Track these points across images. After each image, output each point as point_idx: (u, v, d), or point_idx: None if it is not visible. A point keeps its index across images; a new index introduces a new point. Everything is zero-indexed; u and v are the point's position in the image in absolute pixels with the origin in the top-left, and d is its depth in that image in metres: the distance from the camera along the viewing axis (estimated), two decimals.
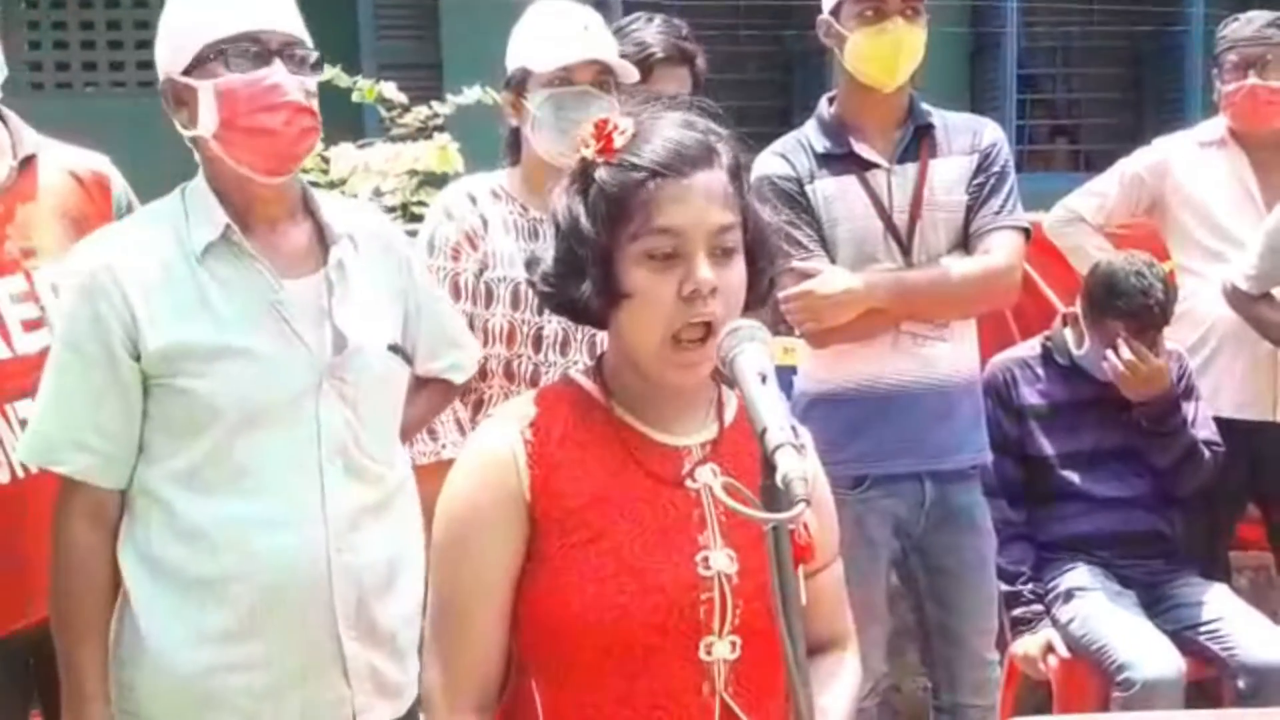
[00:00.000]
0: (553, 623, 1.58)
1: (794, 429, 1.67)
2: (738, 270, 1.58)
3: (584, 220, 1.58)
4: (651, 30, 3.13)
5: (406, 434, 2.41)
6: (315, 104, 2.07)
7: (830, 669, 1.74)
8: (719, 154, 1.59)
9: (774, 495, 1.34)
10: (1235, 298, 3.55)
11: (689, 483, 1.62)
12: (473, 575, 1.61)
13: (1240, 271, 3.51)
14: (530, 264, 1.68)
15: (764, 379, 1.42)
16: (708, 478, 1.62)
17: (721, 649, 1.59)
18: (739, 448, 1.64)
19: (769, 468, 1.34)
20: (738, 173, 1.60)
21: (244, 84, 2.00)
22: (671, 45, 3.10)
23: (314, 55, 2.08)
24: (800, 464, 1.34)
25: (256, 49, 2.01)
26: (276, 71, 2.01)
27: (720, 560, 1.60)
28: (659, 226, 1.54)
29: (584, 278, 1.59)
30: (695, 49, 3.15)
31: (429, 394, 2.46)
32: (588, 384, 1.68)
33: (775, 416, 1.38)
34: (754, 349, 1.46)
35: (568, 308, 1.65)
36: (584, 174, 1.61)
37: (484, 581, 1.61)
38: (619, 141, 1.58)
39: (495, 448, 1.62)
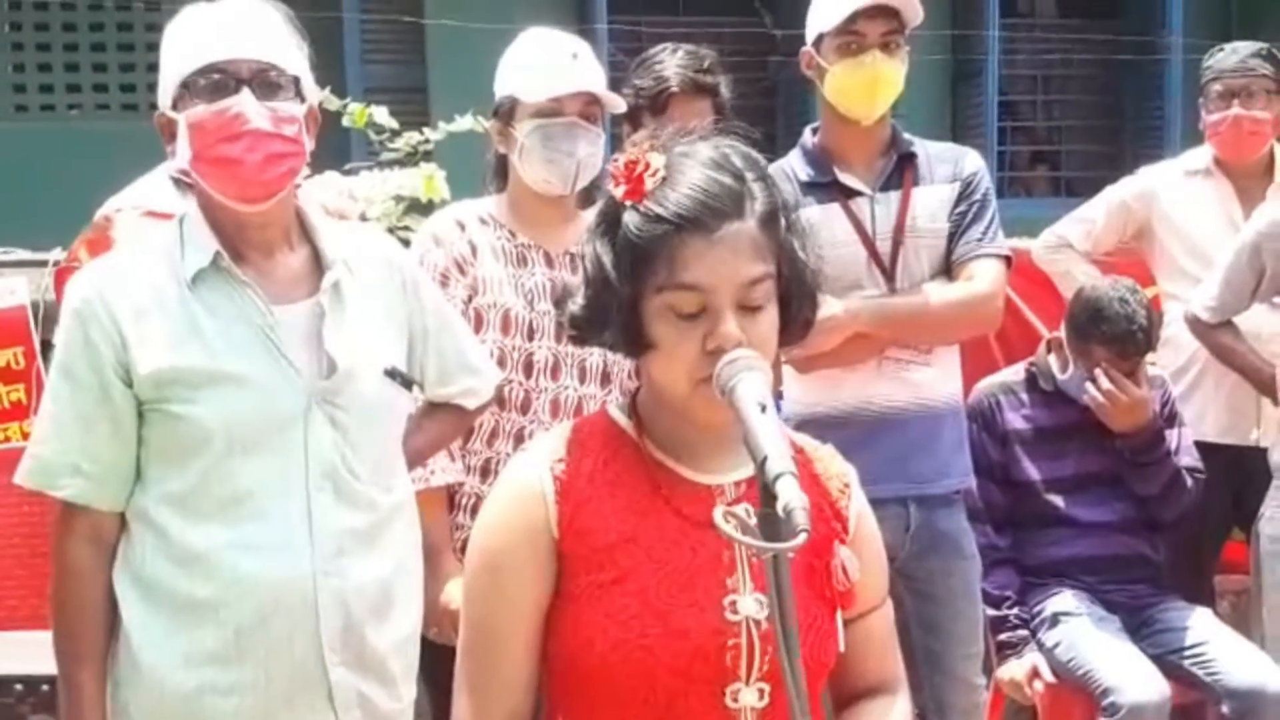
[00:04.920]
0: (577, 662, 1.55)
1: (845, 470, 1.67)
2: (767, 321, 1.52)
3: (610, 268, 1.53)
4: (671, 63, 3.12)
5: (418, 459, 2.42)
6: (293, 129, 2.06)
7: (878, 715, 1.69)
8: (752, 199, 1.52)
9: (774, 524, 1.32)
10: (1196, 326, 3.58)
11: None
12: (501, 608, 1.58)
13: (1200, 302, 3.55)
14: (559, 303, 1.63)
15: (763, 408, 1.40)
16: (740, 518, 1.51)
17: (749, 696, 1.54)
18: None
19: (769, 496, 1.33)
20: (773, 217, 1.53)
21: (209, 115, 2.01)
22: (688, 79, 3.09)
23: (291, 79, 2.07)
24: (802, 495, 1.32)
25: (221, 79, 2.01)
26: (240, 101, 2.01)
27: (749, 605, 1.55)
28: (683, 282, 1.48)
29: (610, 324, 1.54)
30: (716, 80, 3.13)
31: (441, 420, 2.46)
32: (622, 419, 1.63)
33: (775, 445, 1.36)
34: (753, 378, 1.43)
35: (598, 346, 1.62)
36: (612, 215, 1.55)
37: (512, 615, 1.57)
38: (649, 184, 1.50)
39: (525, 481, 1.59)
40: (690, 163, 1.52)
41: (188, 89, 2.03)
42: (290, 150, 2.06)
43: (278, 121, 2.04)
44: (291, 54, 2.09)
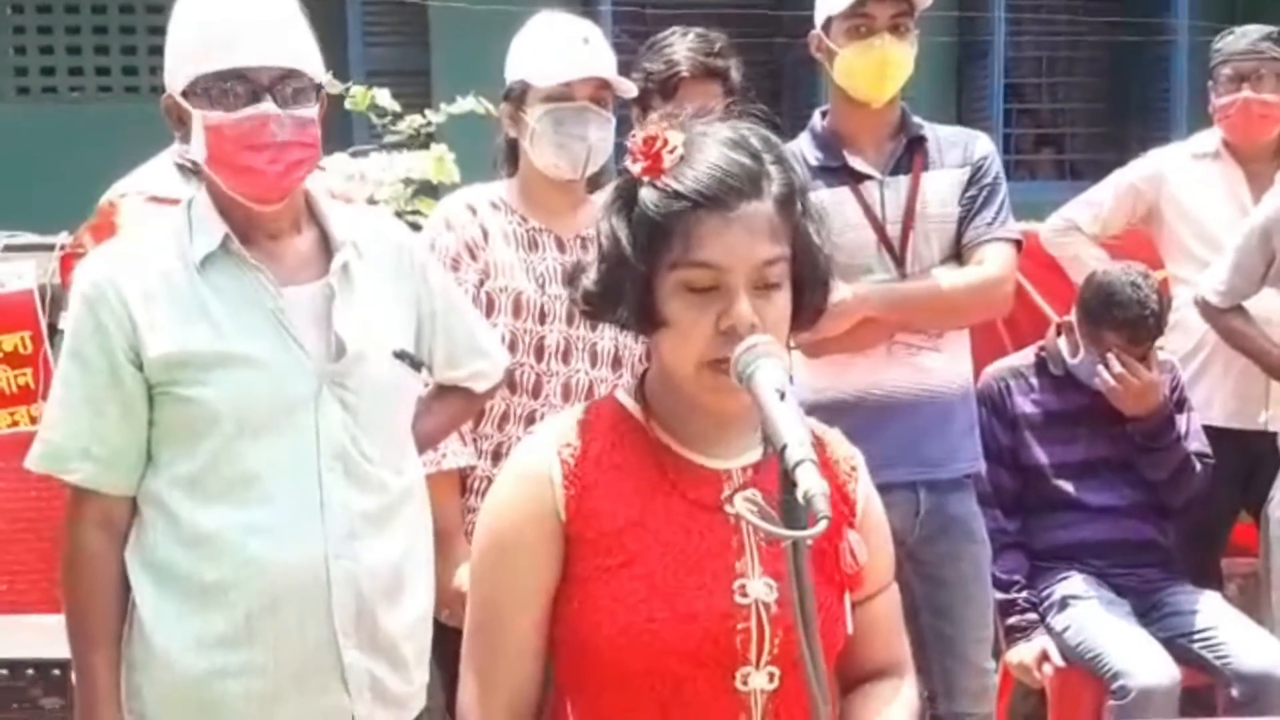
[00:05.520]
0: (585, 646, 1.55)
1: (852, 453, 1.67)
2: (781, 303, 1.52)
3: (625, 244, 1.52)
4: (682, 47, 3.11)
5: (428, 442, 2.42)
6: (312, 130, 2.05)
7: (884, 697, 1.68)
8: (769, 180, 1.51)
9: (794, 511, 1.32)
10: (1206, 311, 3.58)
11: (727, 508, 1.55)
12: (508, 591, 1.58)
13: (1210, 286, 3.55)
14: (572, 279, 1.62)
15: (782, 395, 1.39)
16: (759, 504, 1.52)
17: (759, 680, 1.54)
18: None
19: (789, 484, 1.32)
20: (789, 199, 1.53)
21: (229, 123, 2.00)
22: (698, 63, 3.08)
23: (312, 84, 2.06)
24: (822, 481, 1.31)
25: (244, 86, 2.00)
26: (262, 111, 1.99)
27: (758, 588, 1.54)
28: (698, 260, 1.48)
29: (623, 301, 1.54)
30: (727, 64, 3.12)
31: (450, 403, 2.46)
32: (630, 403, 1.63)
33: (795, 432, 1.35)
34: (771, 364, 1.43)
35: (610, 323, 1.62)
36: (629, 192, 1.54)
37: (519, 598, 1.58)
38: (667, 161, 1.50)
39: (532, 465, 1.59)
40: (709, 141, 1.52)
41: (207, 91, 2.01)
42: (309, 155, 2.07)
43: (298, 128, 2.03)
44: (310, 54, 2.07)
